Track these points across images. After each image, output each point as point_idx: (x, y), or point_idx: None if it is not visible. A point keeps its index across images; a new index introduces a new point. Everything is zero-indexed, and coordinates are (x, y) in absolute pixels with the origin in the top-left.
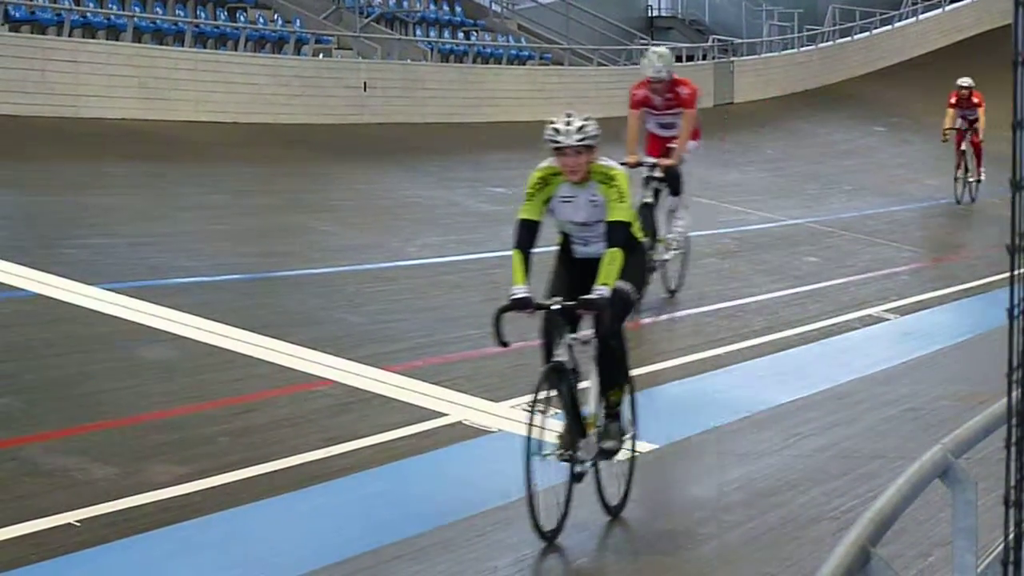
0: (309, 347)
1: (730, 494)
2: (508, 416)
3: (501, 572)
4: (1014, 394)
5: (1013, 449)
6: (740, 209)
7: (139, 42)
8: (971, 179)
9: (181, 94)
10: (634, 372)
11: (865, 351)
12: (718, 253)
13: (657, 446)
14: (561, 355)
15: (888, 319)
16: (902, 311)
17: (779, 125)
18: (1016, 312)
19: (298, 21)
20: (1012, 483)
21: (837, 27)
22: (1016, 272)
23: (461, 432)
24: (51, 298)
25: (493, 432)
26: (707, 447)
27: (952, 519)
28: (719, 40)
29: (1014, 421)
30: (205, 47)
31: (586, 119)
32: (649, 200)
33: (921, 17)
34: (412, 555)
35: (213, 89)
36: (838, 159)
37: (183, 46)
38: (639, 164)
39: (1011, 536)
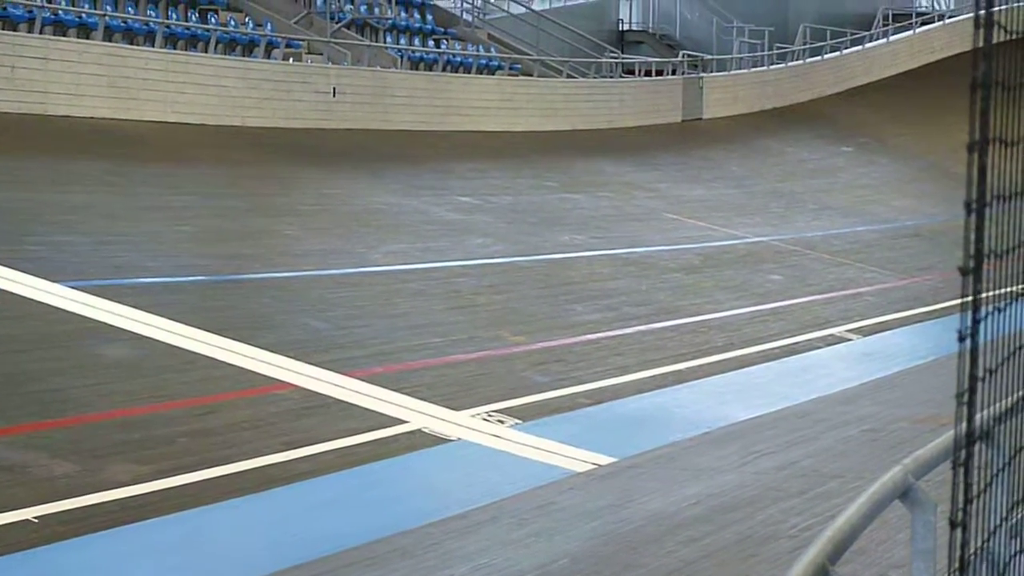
0: (271, 350)
1: (687, 510)
2: (468, 425)
3: None
4: (963, 416)
5: (960, 470)
6: (705, 225)
7: (110, 41)
8: None
9: (150, 94)
10: (593, 386)
11: (826, 371)
12: (682, 269)
13: (615, 459)
14: None
15: (850, 339)
16: (864, 332)
17: (747, 142)
18: (967, 334)
19: (269, 25)
20: (960, 504)
21: (807, 46)
22: (969, 295)
23: (421, 440)
24: (14, 294)
25: (452, 440)
26: (665, 462)
27: (911, 540)
28: (689, 55)
29: (962, 442)
30: (176, 48)
31: None
32: None
33: (892, 38)
34: (369, 561)
35: (182, 90)
36: (805, 178)
37: (154, 46)
38: None
39: (956, 559)
